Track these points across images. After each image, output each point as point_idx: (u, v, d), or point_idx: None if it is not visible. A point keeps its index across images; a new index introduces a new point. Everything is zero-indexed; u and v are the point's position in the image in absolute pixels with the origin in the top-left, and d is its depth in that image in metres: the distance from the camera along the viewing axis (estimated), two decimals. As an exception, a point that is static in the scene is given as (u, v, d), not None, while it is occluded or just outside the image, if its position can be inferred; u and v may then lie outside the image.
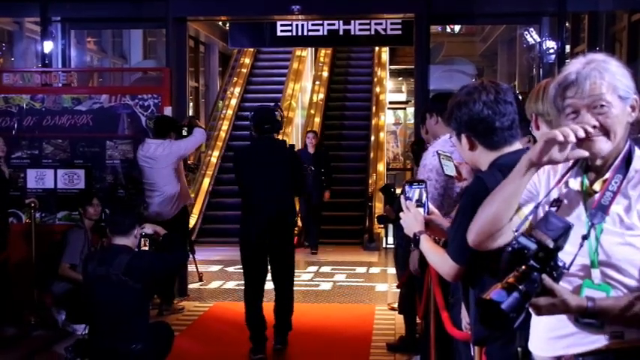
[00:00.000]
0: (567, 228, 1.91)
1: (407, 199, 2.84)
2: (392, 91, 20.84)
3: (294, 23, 10.08)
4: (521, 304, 1.83)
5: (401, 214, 2.85)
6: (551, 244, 1.88)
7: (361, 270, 10.06)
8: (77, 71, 8.80)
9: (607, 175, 2.02)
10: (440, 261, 2.63)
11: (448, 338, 3.78)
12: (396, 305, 7.50)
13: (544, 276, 1.87)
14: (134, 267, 4.66)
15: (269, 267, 6.15)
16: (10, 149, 7.64)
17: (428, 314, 4.77)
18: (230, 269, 9.99)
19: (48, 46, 8.55)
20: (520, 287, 1.83)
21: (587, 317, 1.92)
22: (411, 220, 2.78)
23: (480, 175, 2.57)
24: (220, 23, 15.56)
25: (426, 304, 4.78)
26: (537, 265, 1.87)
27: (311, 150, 11.37)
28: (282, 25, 10.20)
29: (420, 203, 2.85)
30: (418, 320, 5.64)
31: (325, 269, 10.16)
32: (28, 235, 7.12)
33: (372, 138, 14.70)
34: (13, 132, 7.85)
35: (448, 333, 3.67)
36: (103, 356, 4.73)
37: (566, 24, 9.01)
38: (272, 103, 6.87)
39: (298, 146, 15.92)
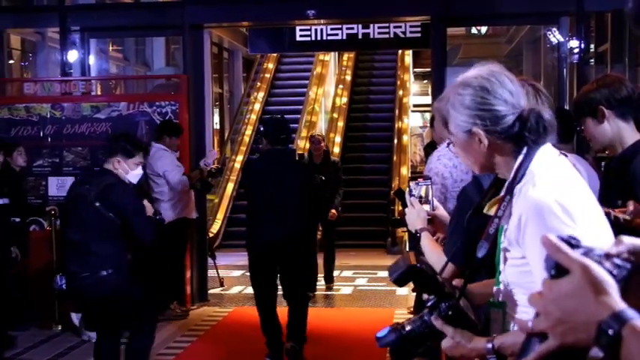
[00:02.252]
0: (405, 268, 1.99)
1: (412, 195, 2.87)
2: (417, 94, 20.79)
3: (313, 28, 10.09)
4: (401, 342, 1.91)
5: (406, 210, 2.86)
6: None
7: (383, 274, 10.02)
8: (96, 79, 8.88)
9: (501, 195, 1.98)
10: (437, 260, 2.61)
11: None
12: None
13: (433, 317, 1.88)
14: (109, 194, 4.60)
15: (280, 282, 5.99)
16: (32, 158, 7.75)
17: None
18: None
19: (68, 56, 8.65)
20: (406, 328, 1.93)
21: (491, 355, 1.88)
22: (414, 216, 2.80)
23: (477, 175, 2.55)
24: (244, 29, 15.63)
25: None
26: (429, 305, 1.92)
27: (317, 160, 8.66)
28: (301, 30, 10.22)
29: (425, 199, 2.87)
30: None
31: (347, 273, 10.14)
32: (49, 242, 7.21)
33: (396, 141, 14.67)
34: (35, 141, 7.96)
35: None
36: (75, 281, 4.71)
37: (588, 23, 8.91)
38: (286, 113, 6.84)
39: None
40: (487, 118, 1.94)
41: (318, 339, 6.68)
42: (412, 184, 2.94)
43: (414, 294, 8.01)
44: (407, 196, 2.89)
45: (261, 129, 6.00)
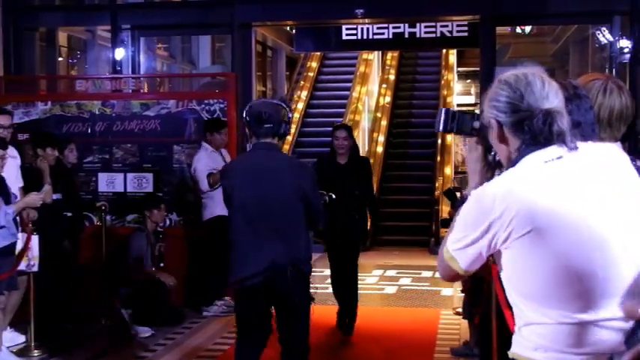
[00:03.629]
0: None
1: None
2: (460, 94, 20.65)
3: (360, 27, 10.07)
4: None
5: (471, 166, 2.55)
6: None
7: (427, 274, 9.98)
8: (145, 77, 8.98)
9: None
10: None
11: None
12: (460, 310, 7.44)
13: None
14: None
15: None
16: (82, 154, 7.87)
17: (488, 318, 4.71)
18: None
19: (118, 54, 8.77)
20: None
21: None
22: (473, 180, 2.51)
23: None
24: (287, 28, 15.69)
25: (486, 306, 4.72)
26: None
27: (342, 160, 6.65)
28: (347, 29, 10.21)
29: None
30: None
31: (390, 273, 10.12)
32: (99, 237, 7.31)
33: (439, 141, 14.59)
34: (85, 137, 8.08)
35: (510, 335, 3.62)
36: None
37: None
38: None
39: (364, 151, 15.98)
40: (501, 110, 2.02)
41: (362, 338, 6.70)
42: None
43: (459, 295, 7.97)
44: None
45: (247, 119, 4.35)
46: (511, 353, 2.08)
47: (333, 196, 6.08)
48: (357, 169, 6.63)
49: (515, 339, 2.07)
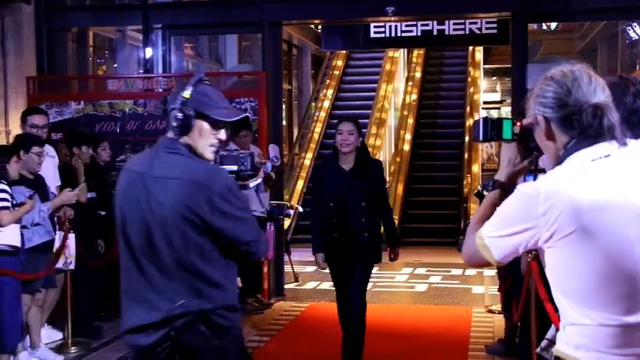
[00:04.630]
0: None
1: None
2: (486, 91, 20.56)
3: (388, 25, 10.06)
4: None
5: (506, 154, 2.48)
6: None
7: (457, 272, 9.97)
8: (177, 76, 9.03)
9: None
10: (473, 225, 2.23)
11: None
12: (493, 307, 7.43)
13: None
14: None
15: None
16: (115, 153, 7.93)
17: (528, 315, 4.71)
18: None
19: (149, 53, 8.83)
20: None
21: None
22: (505, 166, 2.33)
23: None
24: (313, 26, 15.70)
25: (526, 304, 4.72)
26: None
27: (346, 164, 5.23)
28: (375, 27, 10.19)
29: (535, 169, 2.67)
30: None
31: (420, 271, 10.11)
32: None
33: (467, 139, 14.54)
34: (118, 136, 8.15)
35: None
36: None
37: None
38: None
39: (390, 149, 15.95)
40: (548, 106, 2.01)
41: (395, 335, 6.70)
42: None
43: (490, 293, 7.96)
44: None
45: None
46: (555, 350, 2.08)
47: (300, 209, 5.46)
48: (366, 176, 5.15)
49: (559, 336, 2.07)
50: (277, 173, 7.91)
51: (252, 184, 3.21)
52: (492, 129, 2.28)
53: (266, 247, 2.85)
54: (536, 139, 2.12)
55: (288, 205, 3.86)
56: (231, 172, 3.05)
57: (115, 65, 13.09)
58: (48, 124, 6.61)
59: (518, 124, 2.25)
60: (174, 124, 2.76)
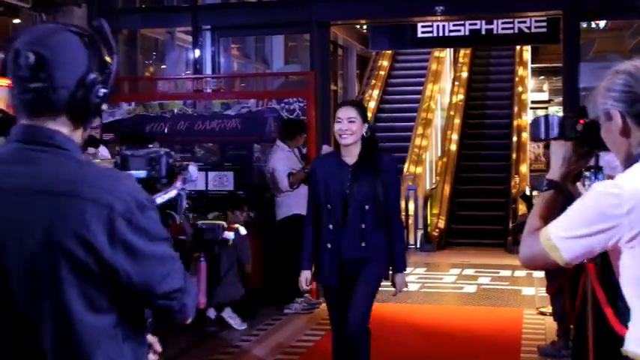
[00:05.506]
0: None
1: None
2: (533, 91, 20.32)
3: (435, 24, 10.03)
4: None
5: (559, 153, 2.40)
6: None
7: (506, 273, 9.86)
8: (226, 77, 9.11)
9: None
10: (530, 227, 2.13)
11: (610, 341, 3.65)
12: (544, 310, 7.33)
13: None
14: None
15: None
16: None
17: (583, 318, 4.64)
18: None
19: (199, 54, 8.92)
20: None
21: None
22: (560, 166, 2.26)
23: None
24: (358, 26, 15.69)
25: (582, 306, 4.65)
26: None
27: (349, 158, 4.26)
28: (422, 27, 10.16)
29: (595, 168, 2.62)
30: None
31: (468, 272, 10.03)
32: (182, 235, 7.43)
33: (514, 139, 14.40)
34: (168, 136, 8.23)
35: (609, 335, 3.55)
36: None
37: None
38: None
39: (437, 150, 15.84)
40: (622, 100, 1.95)
41: (445, 337, 6.66)
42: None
43: (541, 295, 7.86)
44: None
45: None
46: (624, 351, 2.04)
47: (242, 232, 3.14)
48: (373, 173, 4.16)
49: (630, 337, 2.03)
50: None
51: (160, 199, 2.18)
52: (554, 127, 2.23)
53: (196, 299, 1.79)
54: (602, 136, 2.08)
55: (224, 225, 2.50)
56: (139, 180, 2.05)
57: (163, 66, 13.25)
58: (100, 124, 6.71)
59: (581, 121, 2.21)
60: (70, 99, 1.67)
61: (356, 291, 4.19)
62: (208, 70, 8.99)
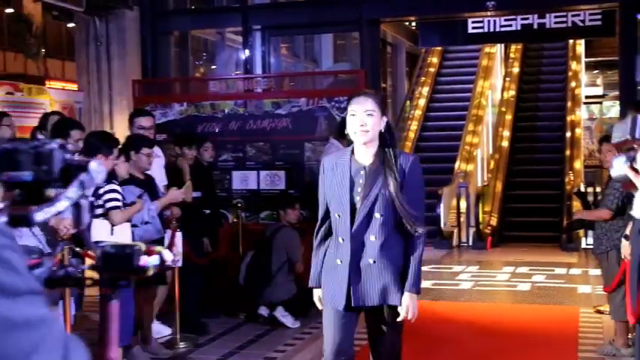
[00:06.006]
0: None
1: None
2: (586, 85, 19.99)
3: (486, 19, 9.90)
4: None
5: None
6: None
7: (560, 271, 9.72)
8: (276, 76, 9.14)
9: None
10: None
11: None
12: (602, 308, 7.20)
13: None
14: None
15: None
16: (217, 153, 8.09)
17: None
18: (424, 268, 9.91)
19: (249, 54, 8.97)
20: None
21: None
22: None
23: None
24: (407, 23, 15.61)
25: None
26: None
27: (363, 158, 3.60)
28: (473, 22, 10.05)
29: None
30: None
31: (522, 269, 9.90)
32: (235, 234, 7.50)
33: (568, 134, 14.17)
34: (219, 136, 8.30)
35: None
36: None
37: None
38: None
39: (488, 147, 15.66)
40: None
41: (500, 335, 6.59)
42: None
43: (598, 293, 7.71)
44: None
45: None
46: None
47: (167, 257, 1.40)
48: (390, 177, 3.48)
49: None
50: None
51: (42, 215, 1.40)
52: None
53: None
54: None
55: (141, 249, 1.56)
56: (23, 184, 1.41)
57: (213, 67, 13.37)
58: (154, 125, 6.78)
59: None
60: None
61: (368, 324, 3.62)
62: (258, 70, 9.03)
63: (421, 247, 3.54)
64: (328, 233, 3.66)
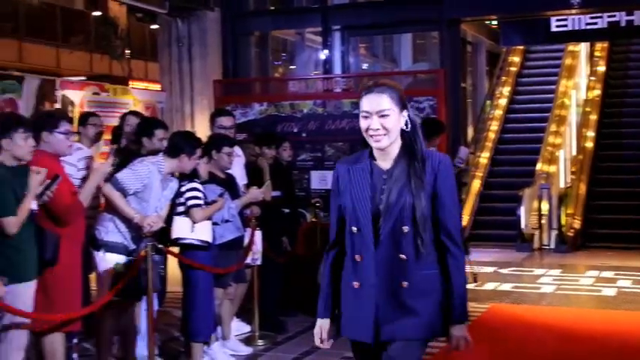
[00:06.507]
0: None
1: None
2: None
3: (570, 17, 9.66)
4: None
5: None
6: None
7: (649, 277, 9.41)
8: (355, 77, 9.14)
9: None
10: None
11: None
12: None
13: None
14: None
15: None
16: (296, 152, 8.14)
17: None
18: (504, 271, 9.86)
19: (328, 54, 8.99)
20: None
21: None
22: None
23: None
24: (488, 22, 15.38)
25: None
26: None
27: (384, 161, 2.99)
28: (557, 20, 9.82)
29: None
30: None
31: (607, 274, 9.62)
32: (313, 233, 7.53)
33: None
34: (298, 136, 8.35)
35: None
36: None
37: None
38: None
39: (570, 147, 15.26)
40: None
41: (581, 340, 6.43)
42: None
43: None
44: None
45: None
46: None
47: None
48: (417, 182, 2.91)
49: None
50: (458, 175, 7.89)
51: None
52: None
53: None
54: None
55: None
56: None
57: (293, 67, 13.46)
58: (235, 124, 6.87)
59: None
60: None
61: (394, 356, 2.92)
62: (338, 70, 9.04)
63: (462, 266, 2.96)
64: (340, 257, 3.03)
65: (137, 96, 8.62)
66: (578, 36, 10.37)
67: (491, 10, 9.11)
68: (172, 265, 6.10)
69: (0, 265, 4.23)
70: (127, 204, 5.11)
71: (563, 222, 12.09)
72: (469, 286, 8.58)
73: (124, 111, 6.99)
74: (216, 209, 5.61)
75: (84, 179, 5.57)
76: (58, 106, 7.20)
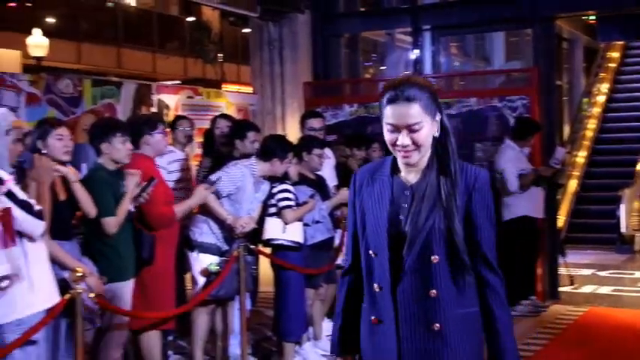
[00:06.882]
0: None
1: None
2: None
3: (673, 12, 9.32)
4: None
5: None
6: None
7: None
8: (446, 76, 9.06)
9: None
10: None
11: None
12: None
13: None
14: None
15: None
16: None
17: None
18: (602, 273, 9.56)
19: (418, 54, 8.93)
20: None
21: None
22: None
23: None
24: (584, 17, 14.95)
25: None
26: None
27: (410, 174, 2.46)
28: (658, 15, 9.48)
29: None
30: None
31: None
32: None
33: None
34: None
35: None
36: None
37: None
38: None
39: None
40: None
41: (608, 339, 6.31)
42: None
43: None
44: None
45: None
46: None
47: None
48: (448, 201, 2.37)
49: None
50: (554, 176, 7.72)
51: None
52: None
53: None
54: None
55: None
56: None
57: (383, 67, 13.44)
58: (324, 126, 6.91)
59: None
60: None
61: None
62: (428, 70, 8.96)
63: (505, 300, 2.43)
64: (358, 285, 2.51)
65: (229, 99, 8.78)
66: (681, 30, 9.99)
67: (588, 6, 8.85)
68: (264, 265, 6.19)
69: (100, 266, 4.40)
70: (221, 206, 5.22)
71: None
72: (566, 288, 8.46)
73: (217, 114, 7.13)
74: (307, 210, 5.66)
75: (177, 181, 5.72)
76: (154, 109, 7.41)
